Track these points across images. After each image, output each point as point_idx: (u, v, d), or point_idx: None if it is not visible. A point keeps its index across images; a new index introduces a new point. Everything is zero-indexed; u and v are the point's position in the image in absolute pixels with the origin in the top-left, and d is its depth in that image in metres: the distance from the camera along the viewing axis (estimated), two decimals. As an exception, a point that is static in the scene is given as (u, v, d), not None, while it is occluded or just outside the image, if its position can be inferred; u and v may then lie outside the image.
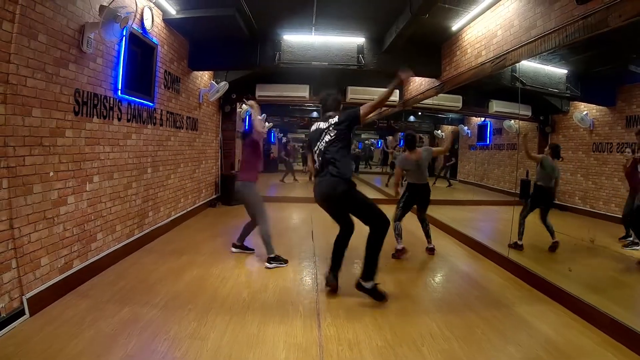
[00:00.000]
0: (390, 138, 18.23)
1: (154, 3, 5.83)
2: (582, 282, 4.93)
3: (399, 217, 5.91)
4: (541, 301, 4.43)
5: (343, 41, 7.73)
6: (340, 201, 4.12)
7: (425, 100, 9.20)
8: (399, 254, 5.74)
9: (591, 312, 3.91)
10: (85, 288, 4.19)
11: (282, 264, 5.23)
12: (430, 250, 6.06)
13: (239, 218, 8.26)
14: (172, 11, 6.20)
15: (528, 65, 7.25)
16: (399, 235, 5.82)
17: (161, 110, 6.41)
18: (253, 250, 5.69)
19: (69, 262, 4.12)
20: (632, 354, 3.33)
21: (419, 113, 15.30)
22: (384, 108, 12.60)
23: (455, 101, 10.17)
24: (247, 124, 14.16)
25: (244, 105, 12.01)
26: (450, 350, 3.26)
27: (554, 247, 6.06)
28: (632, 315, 3.80)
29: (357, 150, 21.43)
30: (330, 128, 4.12)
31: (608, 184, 8.60)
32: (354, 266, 5.32)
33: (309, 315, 3.82)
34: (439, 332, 3.55)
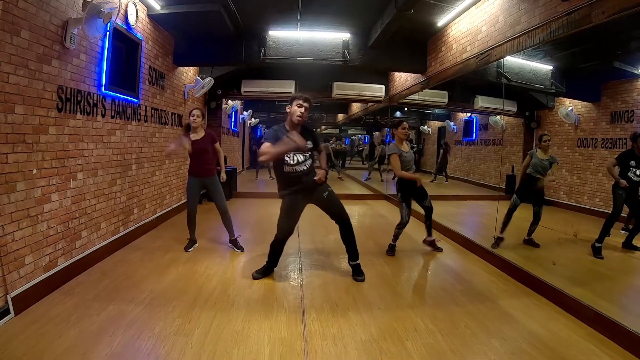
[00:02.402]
0: (377, 133, 18.24)
1: (137, -2, 5.81)
2: (566, 276, 5.01)
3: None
4: (526, 295, 4.50)
5: (329, 37, 7.75)
6: None
7: (411, 96, 9.26)
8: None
9: (575, 305, 3.97)
10: (70, 286, 4.18)
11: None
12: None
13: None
14: (157, 6, 6.17)
15: (513, 61, 7.33)
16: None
17: (146, 107, 6.39)
18: (242, 249, 5.71)
19: (54, 260, 4.11)
20: (616, 347, 3.39)
21: (405, 109, 15.33)
22: (370, 104, 12.66)
23: (441, 97, 10.23)
24: (233, 120, 14.16)
25: (229, 101, 12.04)
26: (434, 344, 3.30)
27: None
28: (615, 308, 3.90)
29: (343, 145, 21.43)
30: None
31: (593, 179, 8.74)
32: (340, 261, 5.37)
33: (294, 310, 3.85)
34: (424, 326, 3.60)
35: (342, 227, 4.67)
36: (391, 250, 5.86)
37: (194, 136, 5.46)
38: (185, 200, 5.75)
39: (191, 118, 5.41)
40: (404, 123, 5.73)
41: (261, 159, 4.05)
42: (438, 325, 3.63)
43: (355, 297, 4.20)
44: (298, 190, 4.39)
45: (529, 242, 6.18)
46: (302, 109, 4.26)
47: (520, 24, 4.95)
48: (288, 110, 4.34)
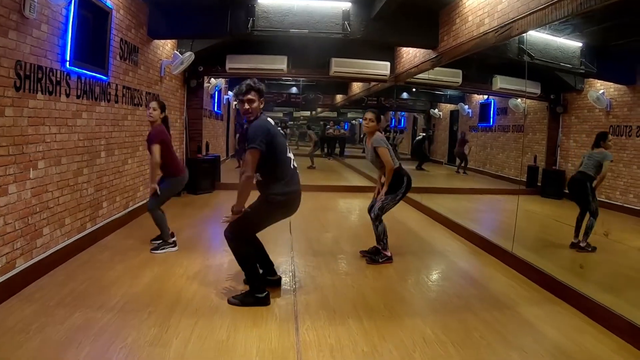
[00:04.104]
0: (381, 117, 18.25)
1: (107, -40, 5.76)
2: (595, 281, 5.04)
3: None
4: (549, 302, 4.52)
5: (327, 5, 7.73)
6: None
7: (420, 75, 9.24)
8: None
9: (606, 314, 3.96)
10: (30, 291, 4.17)
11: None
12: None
13: (207, 208, 8.32)
14: (129, -30, 6.13)
15: (537, 36, 7.30)
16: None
17: (116, 85, 6.36)
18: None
19: (11, 262, 4.09)
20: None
21: (413, 89, 15.33)
22: (373, 83, 12.65)
23: (454, 76, 10.21)
24: (216, 101, 14.11)
25: (212, 79, 12.01)
26: (445, 356, 3.33)
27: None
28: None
29: (342, 131, 21.46)
30: None
31: (626, 172, 8.74)
32: (337, 262, 5.40)
33: (286, 318, 3.87)
34: (433, 336, 3.62)
35: None
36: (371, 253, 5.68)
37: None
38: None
39: (147, 111, 5.60)
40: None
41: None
42: (450, 335, 3.65)
43: (355, 303, 4.22)
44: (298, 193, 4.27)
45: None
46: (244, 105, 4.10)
47: (546, -7, 4.94)
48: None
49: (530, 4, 5.20)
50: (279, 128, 4.25)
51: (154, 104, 5.53)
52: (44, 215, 4.62)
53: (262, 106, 4.12)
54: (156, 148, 5.38)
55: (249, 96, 4.02)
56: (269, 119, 4.11)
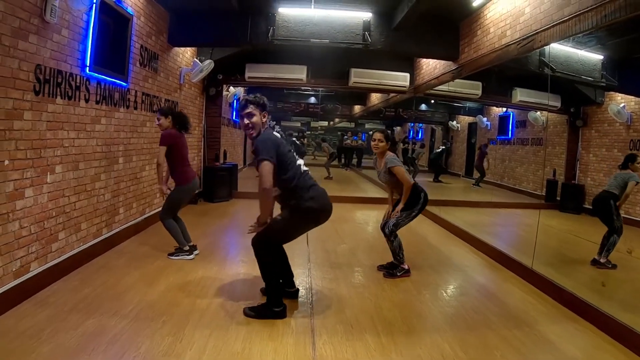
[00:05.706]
0: (398, 129, 18.16)
1: (129, -33, 5.77)
2: (616, 299, 4.92)
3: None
4: (569, 320, 4.41)
5: (347, 16, 7.70)
6: None
7: (439, 87, 9.20)
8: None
9: (626, 333, 3.87)
10: (44, 295, 4.15)
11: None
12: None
13: (224, 217, 8.25)
14: (150, -23, 6.14)
15: (559, 48, 7.21)
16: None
17: (136, 91, 6.37)
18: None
19: (26, 265, 4.08)
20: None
21: (432, 101, 15.23)
22: (392, 94, 12.61)
23: (474, 88, 10.12)
24: (234, 109, 14.14)
25: (231, 88, 12.02)
26: (464, 374, 3.24)
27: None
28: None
29: (360, 142, 21.40)
30: None
31: (647, 187, 8.59)
32: (355, 274, 5.32)
33: (302, 331, 3.79)
34: (452, 353, 3.53)
35: None
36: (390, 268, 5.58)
37: None
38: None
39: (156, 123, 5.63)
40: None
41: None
42: (468, 352, 3.56)
43: (373, 318, 4.14)
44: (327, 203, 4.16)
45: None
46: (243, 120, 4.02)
47: (570, 6, 4.86)
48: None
49: (553, 16, 5.13)
50: (294, 138, 4.18)
51: (159, 116, 5.55)
52: (60, 220, 4.61)
53: (264, 120, 3.99)
54: (160, 150, 5.39)
55: (248, 110, 3.93)
56: (274, 132, 4.02)
